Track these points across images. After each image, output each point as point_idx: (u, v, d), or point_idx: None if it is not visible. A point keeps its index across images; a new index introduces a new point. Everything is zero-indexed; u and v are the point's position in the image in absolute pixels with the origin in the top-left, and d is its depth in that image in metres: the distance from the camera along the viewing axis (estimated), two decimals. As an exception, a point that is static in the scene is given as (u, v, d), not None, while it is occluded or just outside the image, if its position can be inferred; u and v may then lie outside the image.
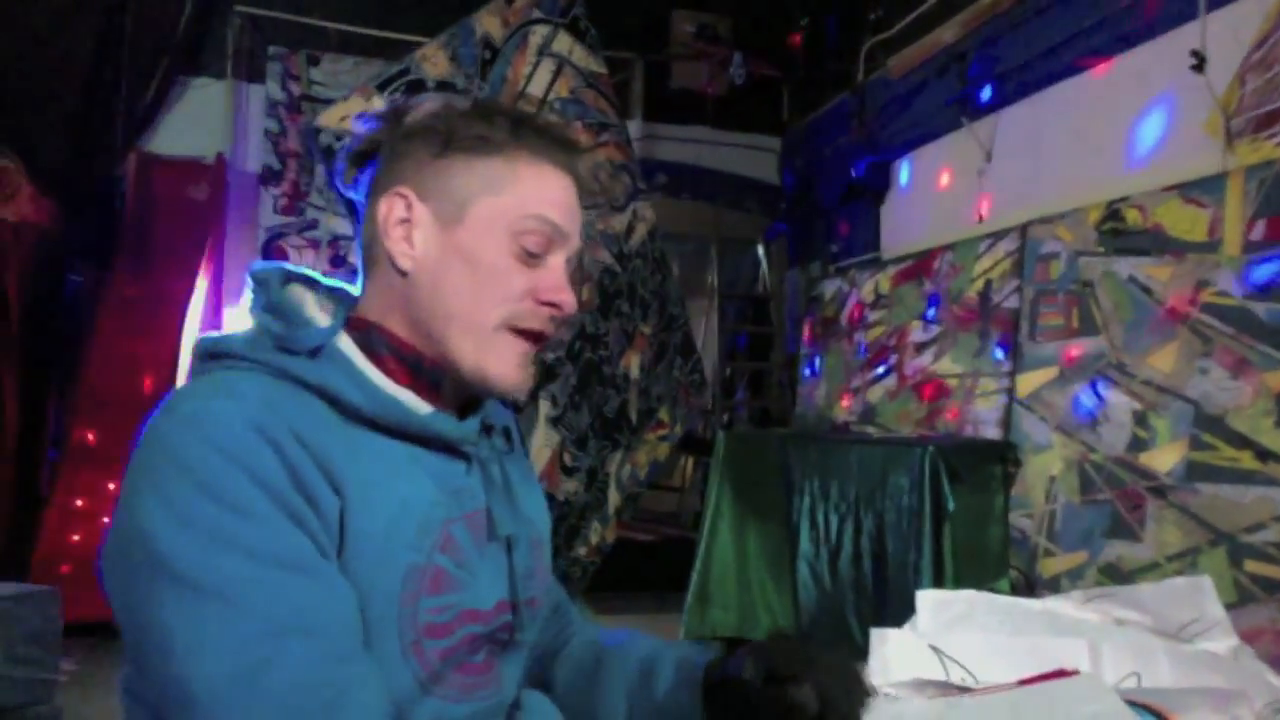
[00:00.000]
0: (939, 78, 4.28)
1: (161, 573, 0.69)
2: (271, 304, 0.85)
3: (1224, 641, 0.93)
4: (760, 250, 5.83)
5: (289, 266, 0.90)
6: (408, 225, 0.86)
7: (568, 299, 0.87)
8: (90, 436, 4.10)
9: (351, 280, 0.93)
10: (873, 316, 4.47)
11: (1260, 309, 2.63)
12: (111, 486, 4.01)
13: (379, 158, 0.90)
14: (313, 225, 5.03)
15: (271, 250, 4.93)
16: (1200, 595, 0.96)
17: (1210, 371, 2.75)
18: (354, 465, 0.78)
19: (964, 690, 0.86)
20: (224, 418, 0.73)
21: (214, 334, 0.84)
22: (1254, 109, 2.78)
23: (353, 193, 0.91)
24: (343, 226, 5.06)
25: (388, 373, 0.85)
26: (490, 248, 0.85)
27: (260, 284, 0.87)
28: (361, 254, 0.91)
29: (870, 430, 4.22)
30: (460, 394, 0.89)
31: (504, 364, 0.86)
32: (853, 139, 4.96)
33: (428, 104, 0.89)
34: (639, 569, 4.59)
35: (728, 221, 5.69)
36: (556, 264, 0.88)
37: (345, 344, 0.84)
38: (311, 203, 5.03)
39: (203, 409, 0.75)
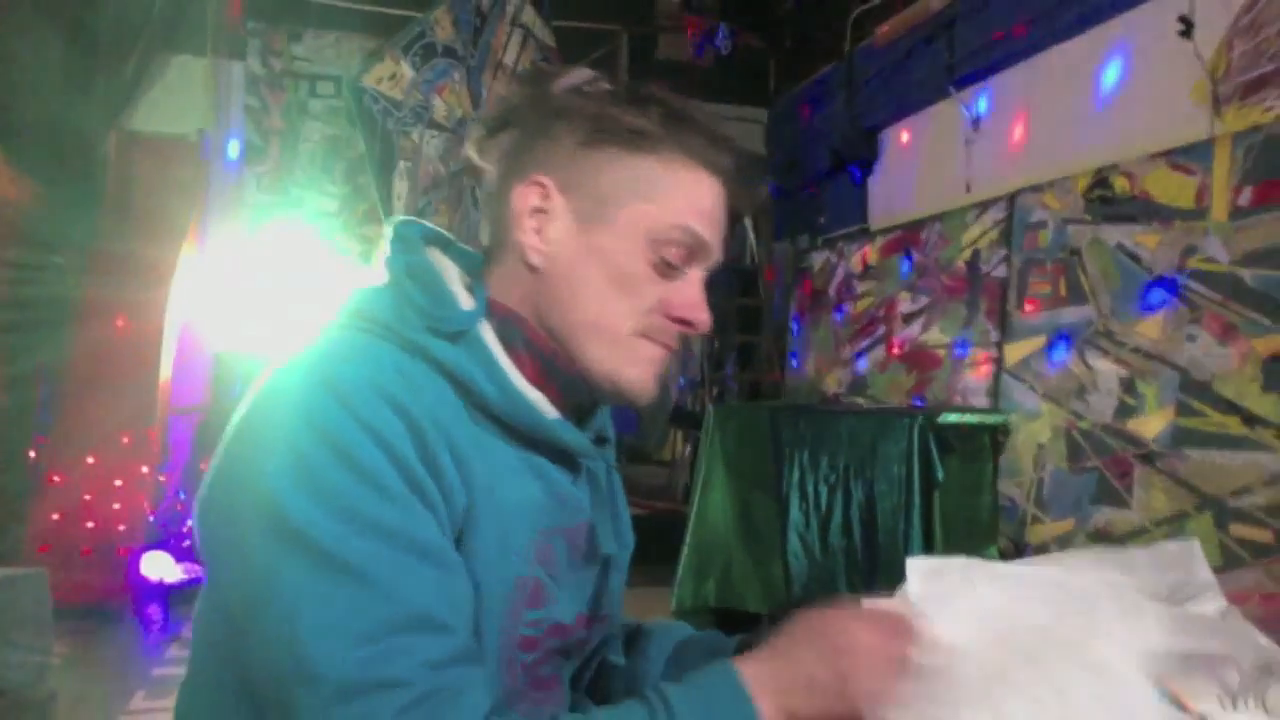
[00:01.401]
0: (926, 46, 4.25)
1: (291, 539, 0.66)
2: (413, 268, 0.79)
3: (1213, 604, 0.93)
4: (748, 222, 5.81)
5: (428, 225, 0.85)
6: (542, 217, 0.79)
7: (703, 318, 0.82)
8: (73, 416, 4.07)
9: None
10: (861, 288, 4.47)
11: (1247, 275, 2.64)
12: (90, 461, 3.99)
13: (516, 129, 0.82)
14: (297, 203, 4.99)
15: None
16: (1189, 558, 0.96)
17: (1198, 338, 2.75)
18: (481, 464, 0.74)
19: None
20: (363, 387, 0.69)
21: (361, 292, 0.79)
22: (1241, 75, 2.78)
23: (480, 160, 0.83)
24: (328, 205, 5.02)
25: (522, 370, 0.79)
26: (628, 254, 0.79)
27: (402, 242, 0.82)
28: (488, 231, 0.84)
29: (860, 401, 4.23)
30: (578, 399, 0.84)
31: (638, 369, 0.81)
32: (840, 109, 4.93)
33: (575, 75, 0.82)
34: (631, 543, 4.60)
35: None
36: (695, 278, 0.82)
37: (486, 333, 0.79)
38: (296, 180, 4.99)
39: (343, 374, 0.70)
